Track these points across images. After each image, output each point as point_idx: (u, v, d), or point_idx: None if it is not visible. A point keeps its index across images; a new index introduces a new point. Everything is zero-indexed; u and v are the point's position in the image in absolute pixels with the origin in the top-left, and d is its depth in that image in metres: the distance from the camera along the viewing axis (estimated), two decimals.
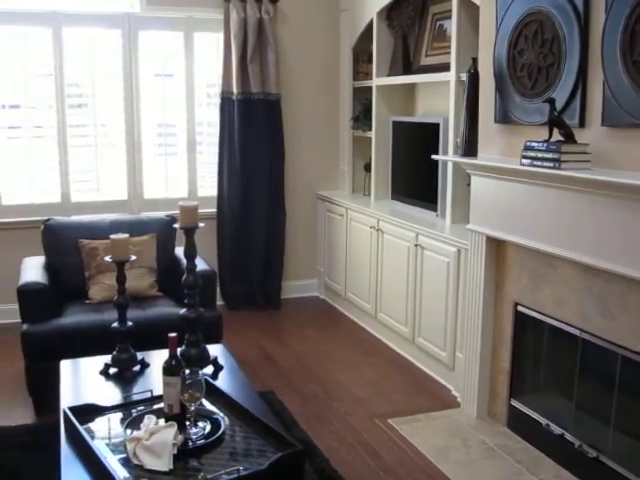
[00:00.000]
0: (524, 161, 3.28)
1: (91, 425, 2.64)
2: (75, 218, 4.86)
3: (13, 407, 4.07)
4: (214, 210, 5.78)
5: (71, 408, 2.67)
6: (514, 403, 3.77)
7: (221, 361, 3.29)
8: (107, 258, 3.24)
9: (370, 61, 5.68)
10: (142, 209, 5.65)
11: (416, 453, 3.56)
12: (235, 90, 5.65)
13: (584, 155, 3.07)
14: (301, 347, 5.08)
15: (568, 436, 3.38)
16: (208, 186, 5.95)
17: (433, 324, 4.44)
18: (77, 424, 2.53)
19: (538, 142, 3.20)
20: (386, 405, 4.14)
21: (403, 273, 4.73)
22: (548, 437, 3.51)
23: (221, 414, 2.67)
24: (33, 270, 4.29)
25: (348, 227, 5.60)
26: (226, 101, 5.71)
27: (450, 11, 4.58)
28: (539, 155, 3.18)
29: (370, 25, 5.53)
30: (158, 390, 2.76)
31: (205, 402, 2.72)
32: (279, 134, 5.84)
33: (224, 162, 5.79)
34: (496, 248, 3.79)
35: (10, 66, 5.36)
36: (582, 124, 3.15)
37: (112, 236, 3.22)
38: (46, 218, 4.64)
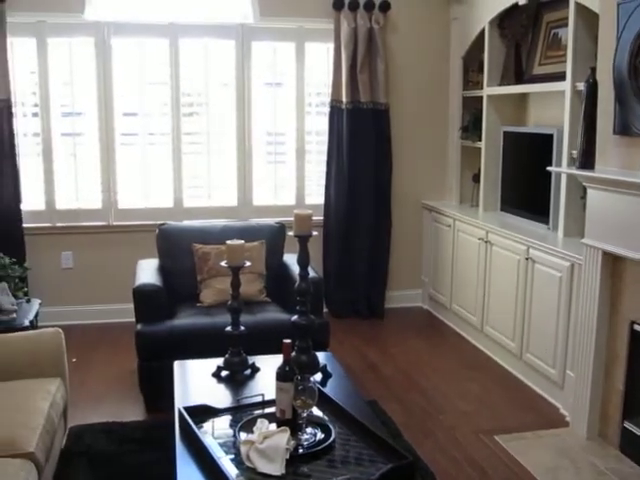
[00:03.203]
0: None
1: (204, 425, 2.71)
2: (188, 223, 5.03)
3: (125, 404, 4.22)
4: (320, 218, 5.83)
5: (186, 408, 2.75)
6: (627, 425, 3.62)
7: (329, 369, 3.31)
8: (223, 263, 3.32)
9: (480, 70, 5.61)
10: (251, 215, 5.76)
11: (523, 471, 3.47)
12: (344, 99, 5.69)
13: None
14: (404, 357, 5.05)
15: None
16: (315, 194, 6.01)
17: (543, 340, 4.33)
18: (192, 424, 2.60)
19: None
20: (491, 420, 4.06)
21: (512, 286, 4.63)
22: None
23: (331, 421, 2.68)
24: (148, 272, 4.45)
25: (455, 238, 5.53)
26: (335, 110, 5.76)
27: (565, 19, 4.47)
28: None
29: (482, 34, 5.46)
30: (269, 394, 2.81)
31: (314, 409, 2.74)
32: (387, 143, 5.85)
33: (332, 170, 5.84)
34: (612, 264, 3.66)
35: (129, 76, 5.60)
36: None
37: (228, 242, 3.30)
38: (161, 222, 4.81)
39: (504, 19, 5.30)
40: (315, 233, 3.30)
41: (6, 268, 4.34)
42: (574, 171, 3.85)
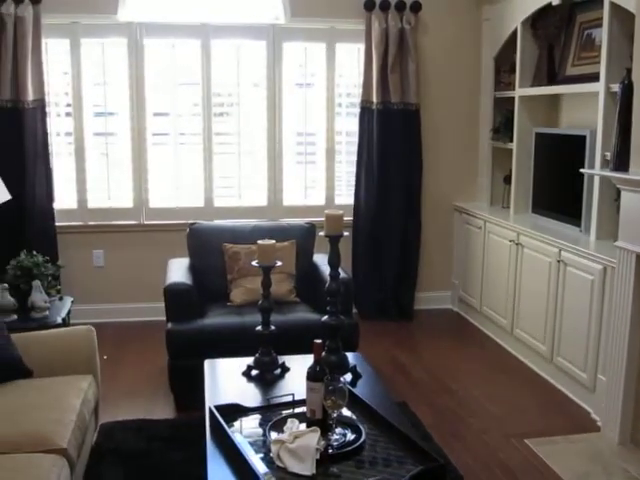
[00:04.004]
0: None
1: (234, 424, 2.72)
2: (219, 222, 5.05)
3: (156, 402, 4.25)
4: (350, 219, 5.81)
5: (216, 407, 2.76)
6: None
7: (359, 369, 3.31)
8: (254, 263, 3.33)
9: (512, 71, 5.56)
10: (280, 215, 5.78)
11: (554, 476, 3.43)
12: (375, 100, 5.68)
13: None
14: (434, 360, 5.03)
15: None
16: (345, 194, 6.01)
17: (574, 343, 4.28)
18: (223, 423, 2.61)
19: None
20: (522, 424, 4.02)
21: (543, 289, 4.59)
22: None
23: (360, 422, 2.67)
24: (178, 271, 4.47)
25: (486, 240, 5.50)
26: (365, 111, 5.75)
27: (600, 19, 4.42)
28: None
29: (514, 34, 5.42)
30: (299, 394, 2.81)
31: (344, 409, 2.73)
32: (417, 144, 5.83)
33: (362, 171, 5.83)
34: None
35: (160, 76, 5.64)
36: None
37: (260, 241, 3.31)
38: (191, 222, 4.84)
39: (537, 19, 5.26)
40: (346, 233, 3.29)
41: (39, 266, 4.39)
42: (608, 173, 3.80)
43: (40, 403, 3.02)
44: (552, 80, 5.17)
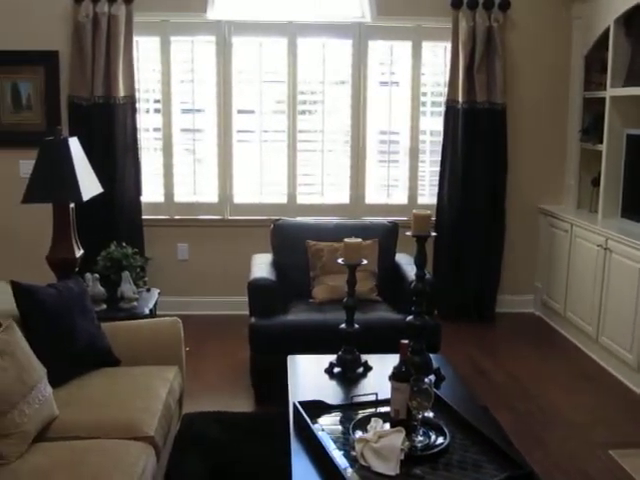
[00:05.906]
0: None
1: (317, 420, 2.73)
2: (302, 219, 5.10)
3: (236, 394, 4.33)
4: (432, 218, 5.74)
5: (300, 403, 2.78)
6: None
7: (442, 371, 3.28)
8: (340, 260, 3.34)
9: (603, 70, 5.40)
10: (362, 214, 5.77)
11: None
12: (460, 99, 5.62)
13: None
14: (515, 364, 4.94)
15: None
16: (427, 194, 5.96)
17: None
18: (307, 419, 2.63)
19: None
20: (606, 434, 3.91)
21: (632, 296, 4.45)
22: None
23: (444, 424, 2.65)
24: (262, 267, 4.53)
25: (572, 244, 5.36)
26: (451, 110, 5.69)
27: None
28: None
29: (606, 33, 5.26)
30: (381, 394, 2.81)
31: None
32: (503, 144, 5.73)
33: (445, 171, 5.77)
34: None
35: (247, 74, 5.73)
36: None
37: (346, 240, 3.32)
38: (276, 218, 4.89)
39: (631, 17, 5.09)
40: (434, 234, 3.26)
41: (129, 257, 4.51)
42: None
43: (128, 391, 3.11)
44: None
